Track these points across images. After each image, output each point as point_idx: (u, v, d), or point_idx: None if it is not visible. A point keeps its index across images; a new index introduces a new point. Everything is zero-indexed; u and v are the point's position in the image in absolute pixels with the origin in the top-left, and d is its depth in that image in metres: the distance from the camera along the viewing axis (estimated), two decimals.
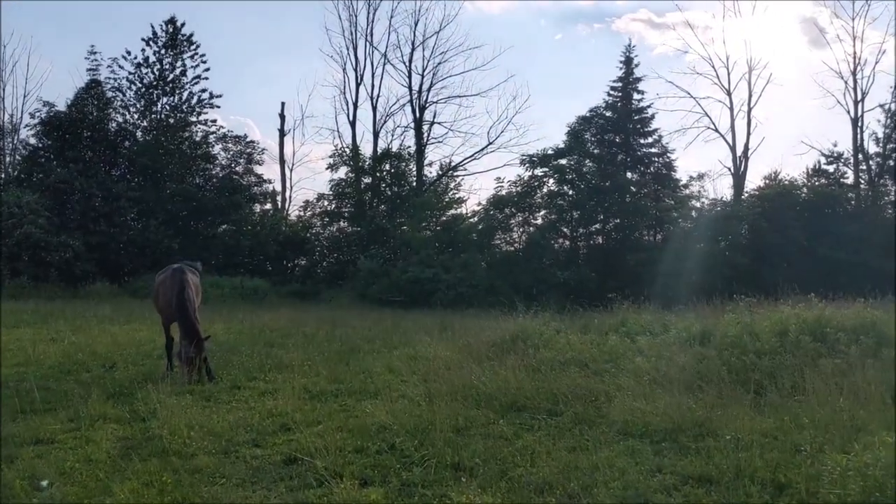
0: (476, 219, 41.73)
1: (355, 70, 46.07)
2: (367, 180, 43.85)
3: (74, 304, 27.23)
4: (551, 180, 41.22)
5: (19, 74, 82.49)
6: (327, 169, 44.12)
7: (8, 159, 44.10)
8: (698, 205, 40.71)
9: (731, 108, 44.63)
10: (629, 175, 42.25)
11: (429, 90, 45.39)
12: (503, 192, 41.41)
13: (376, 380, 10.70)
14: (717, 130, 45.03)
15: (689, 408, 7.65)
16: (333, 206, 43.41)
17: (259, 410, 8.42)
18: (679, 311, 18.68)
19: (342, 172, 43.75)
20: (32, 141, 40.78)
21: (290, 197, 48.14)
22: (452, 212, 42.84)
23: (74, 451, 6.71)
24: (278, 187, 47.18)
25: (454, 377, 10.00)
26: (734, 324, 11.99)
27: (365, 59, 46.85)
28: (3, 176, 41.72)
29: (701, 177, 41.95)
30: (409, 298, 34.33)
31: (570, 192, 40.95)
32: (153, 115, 43.10)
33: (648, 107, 41.84)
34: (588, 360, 11.08)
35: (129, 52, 42.48)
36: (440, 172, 46.00)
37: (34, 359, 12.36)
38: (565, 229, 41.77)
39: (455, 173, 46.12)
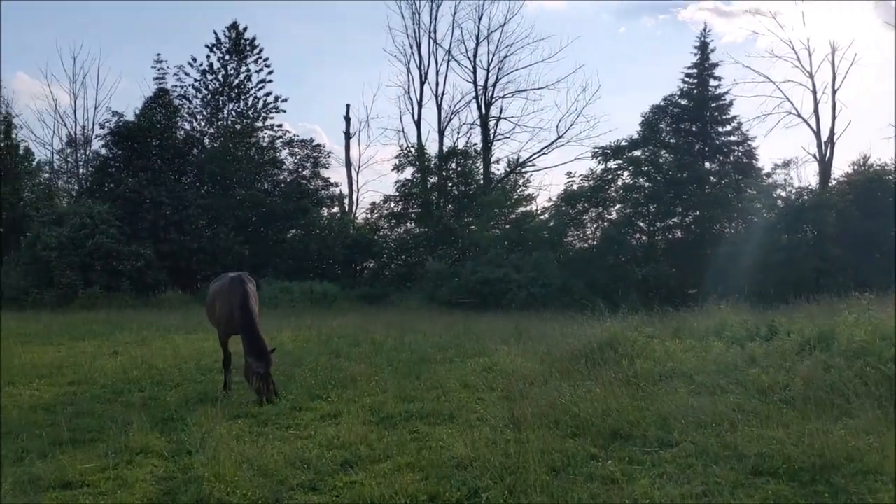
0: (547, 215, 40.29)
1: (419, 68, 45.15)
2: (434, 180, 42.84)
3: (145, 314, 26.99)
4: (626, 173, 39.54)
5: (89, 86, 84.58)
6: (393, 170, 43.30)
7: (81, 171, 44.80)
8: (784, 194, 38.26)
9: (814, 92, 42.19)
10: (708, 165, 40.19)
11: (494, 85, 44.21)
12: (575, 187, 39.88)
13: (450, 398, 9.55)
14: (799, 115, 42.59)
15: (839, 437, 6.20)
16: (400, 207, 42.53)
17: (319, 440, 7.35)
18: (781, 310, 17.01)
19: (408, 173, 42.89)
20: (103, 151, 41.08)
21: (357, 200, 47.56)
22: (522, 209, 41.39)
23: (105, 498, 5.74)
24: (345, 190, 46.62)
25: (539, 395, 8.78)
26: (859, 325, 10.38)
27: (429, 57, 45.69)
28: (76, 187, 42.23)
29: (786, 164, 39.45)
30: (478, 300, 33.16)
31: (646, 185, 39.11)
32: (220, 122, 43.07)
33: (726, 93, 39.76)
34: (693, 371, 9.68)
35: (194, 59, 42.57)
36: (508, 169, 44.65)
37: (89, 377, 11.62)
38: (642, 223, 39.97)
39: (523, 169, 44.68)
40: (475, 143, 44.31)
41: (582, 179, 39.99)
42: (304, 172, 43.58)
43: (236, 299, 10.48)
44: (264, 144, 43.27)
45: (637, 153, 39.12)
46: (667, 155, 39.45)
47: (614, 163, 39.48)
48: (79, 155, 45.48)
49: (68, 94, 72.04)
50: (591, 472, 6.04)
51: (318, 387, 10.30)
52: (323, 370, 11.88)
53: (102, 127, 41.11)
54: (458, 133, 45.27)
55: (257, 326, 10.28)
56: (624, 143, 39.14)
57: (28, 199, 42.79)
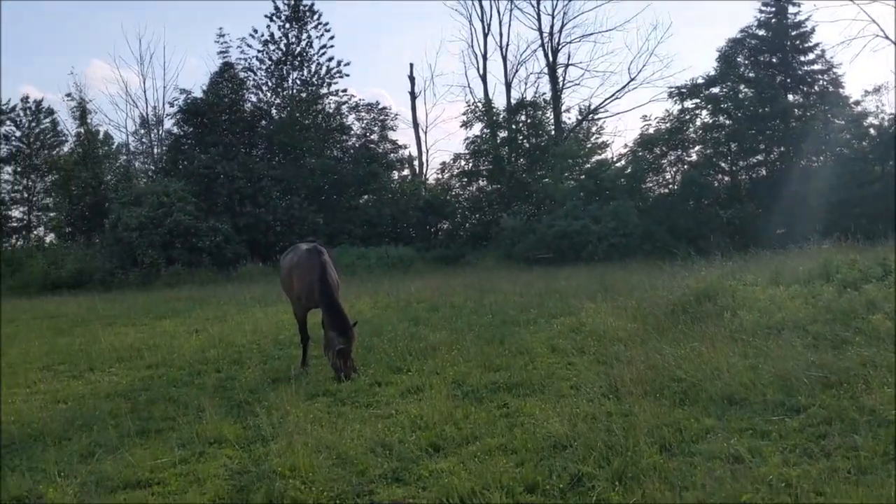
0: (623, 163, 38.83)
1: (482, 20, 44.03)
2: (503, 134, 41.75)
3: (226, 288, 27.15)
4: (704, 112, 37.71)
5: (157, 66, 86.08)
6: (461, 127, 42.43)
7: (156, 151, 45.50)
8: (875, 122, 35.72)
9: None
10: (791, 97, 37.92)
11: (560, 31, 42.62)
12: (651, 131, 38.38)
13: (538, 364, 8.89)
14: (887, 37, 39.54)
15: None
16: (470, 165, 41.67)
17: (401, 420, 6.80)
18: (887, 247, 15.68)
19: (477, 129, 41.95)
20: (174, 130, 41.51)
21: (427, 161, 46.88)
22: (596, 158, 39.99)
23: (175, 497, 5.32)
24: (414, 152, 45.99)
25: (636, 357, 8.01)
26: None
27: (491, 8, 44.70)
28: (152, 167, 42.93)
29: (876, 90, 36.73)
30: (557, 255, 32.33)
31: (727, 123, 37.19)
32: (285, 92, 42.86)
33: (806, 20, 37.25)
34: (805, 321, 8.74)
35: (255, 31, 42.30)
36: (579, 117, 43.30)
37: (168, 358, 11.40)
38: (723, 164, 38.18)
39: (595, 117, 43.29)
40: (544, 93, 43.07)
41: (658, 122, 38.43)
42: (372, 137, 43.18)
43: (315, 272, 9.86)
44: (331, 111, 42.94)
45: (715, 90, 37.19)
46: (746, 90, 37.39)
47: (691, 102, 37.68)
48: (152, 135, 46.24)
49: (137, 76, 73.80)
50: (711, 450, 5.27)
51: (398, 358, 9.78)
52: (402, 339, 11.37)
53: (171, 105, 41.56)
54: (526, 84, 44.22)
55: (338, 299, 9.78)
56: (700, 81, 37.24)
57: (109, 182, 43.81)
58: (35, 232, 46.43)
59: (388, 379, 8.58)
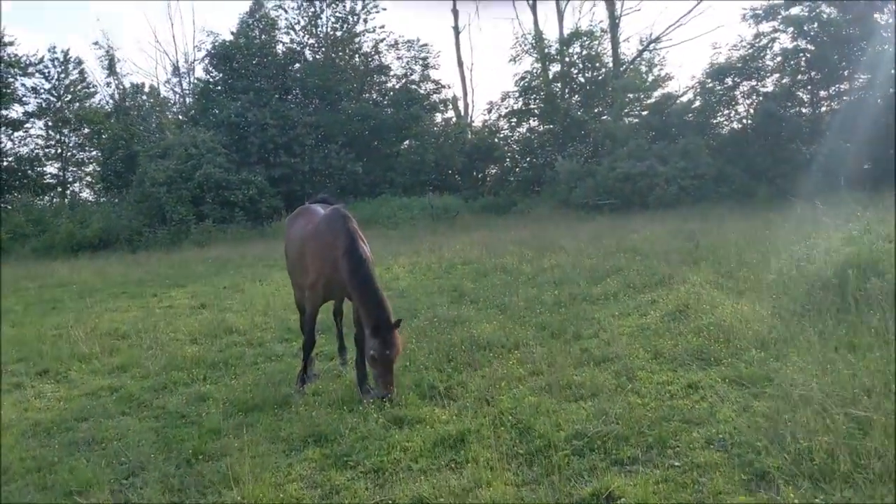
0: (691, 95, 35.08)
1: None
2: (556, 68, 38.25)
3: (258, 245, 24.92)
4: (783, 36, 33.50)
5: (185, 10, 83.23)
6: (509, 62, 39.09)
7: (188, 101, 43.12)
8: None
9: None
10: (880, 17, 33.45)
11: None
12: (721, 60, 34.42)
13: (642, 385, 6.00)
14: None
15: None
16: (520, 103, 38.32)
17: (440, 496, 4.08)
18: None
19: (527, 64, 38.65)
20: (202, 76, 38.98)
21: (473, 101, 43.63)
22: (660, 91, 36.34)
23: None
24: (458, 92, 42.73)
25: (812, 381, 5.08)
26: None
27: None
28: (180, 117, 40.60)
29: None
30: (620, 200, 29.23)
31: (809, 48, 33.01)
32: (319, 31, 39.81)
33: None
34: None
35: None
36: (640, 47, 39.34)
37: (145, 355, 8.83)
38: (803, 94, 34.11)
39: (658, 46, 39.23)
40: (600, 22, 39.25)
41: (730, 49, 34.42)
42: (413, 77, 39.98)
43: (340, 245, 6.73)
44: (368, 50, 39.79)
45: (795, 11, 32.96)
46: (830, 9, 33.07)
47: (768, 25, 33.57)
48: (184, 84, 43.91)
49: (166, 21, 71.40)
50: None
51: (433, 365, 7.01)
52: (441, 327, 8.61)
53: (198, 49, 38.92)
54: (580, 12, 40.30)
55: (377, 283, 6.73)
56: (779, 1, 33.04)
57: (139, 133, 41.69)
58: (70, 188, 44.89)
59: (414, 412, 5.76)
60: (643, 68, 38.71)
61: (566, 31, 39.31)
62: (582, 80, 38.19)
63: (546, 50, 38.37)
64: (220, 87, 37.63)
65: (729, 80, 34.00)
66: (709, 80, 34.23)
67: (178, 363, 8.13)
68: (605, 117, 35.93)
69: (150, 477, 4.90)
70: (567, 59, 38.06)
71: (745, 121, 34.19)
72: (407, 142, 38.69)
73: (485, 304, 10.31)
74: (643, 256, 13.14)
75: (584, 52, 37.89)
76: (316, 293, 7.09)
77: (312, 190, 36.24)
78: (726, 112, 34.84)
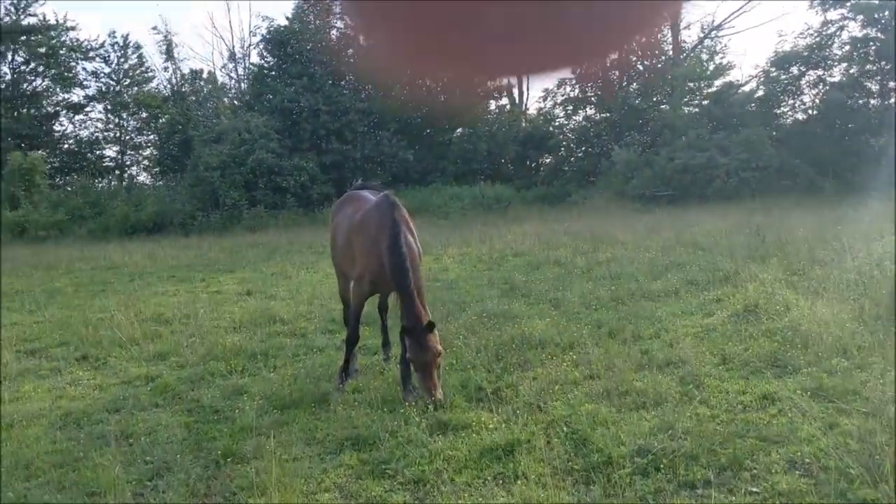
0: (754, 84, 33.85)
1: None
2: (614, 56, 37.06)
3: (309, 232, 24.80)
4: (852, 23, 32.03)
5: None
6: None
7: (244, 86, 43.30)
8: None
9: None
10: None
11: None
12: (787, 48, 33.10)
13: (709, 394, 5.46)
14: None
15: None
16: (577, 91, 37.43)
17: None
18: None
19: None
20: (257, 61, 39.03)
21: (528, 89, 42.75)
22: (722, 80, 35.07)
23: None
24: (513, 79, 41.93)
25: (887, 385, 4.51)
26: None
27: None
28: (235, 102, 40.79)
29: None
30: (678, 192, 28.29)
31: (879, 36, 31.49)
32: None
33: None
34: None
35: None
36: (701, 35, 38.21)
37: (186, 343, 8.57)
38: (871, 85, 32.60)
39: (720, 33, 38.03)
40: None
41: (796, 38, 33.08)
42: None
43: (384, 236, 6.19)
44: None
45: None
46: None
47: (837, 13, 32.16)
48: (239, 70, 44.13)
49: (223, 6, 71.99)
50: None
51: (481, 366, 6.56)
52: (490, 323, 8.17)
53: (253, 34, 39.01)
54: None
55: (420, 282, 6.28)
56: None
57: (195, 118, 42.05)
58: (128, 172, 45.64)
59: (460, 416, 5.31)
60: (704, 56, 37.53)
61: None
62: (641, 67, 37.14)
63: None
64: (273, 73, 37.60)
65: (794, 69, 32.74)
66: (773, 69, 33.01)
67: (217, 353, 7.85)
68: (663, 106, 34.89)
69: (174, 479, 4.56)
70: (626, 47, 37.03)
71: (810, 111, 32.88)
72: (459, 130, 38.17)
73: (537, 299, 9.84)
74: (705, 251, 12.50)
75: (644, 39, 36.81)
76: (361, 287, 6.63)
77: (363, 177, 36.04)
78: (791, 102, 33.62)
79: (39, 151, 38.02)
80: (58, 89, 42.69)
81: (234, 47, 43.36)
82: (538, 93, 48.82)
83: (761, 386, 5.45)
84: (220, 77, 45.54)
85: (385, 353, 7.41)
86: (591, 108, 37.63)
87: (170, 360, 7.97)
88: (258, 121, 32.89)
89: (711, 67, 36.18)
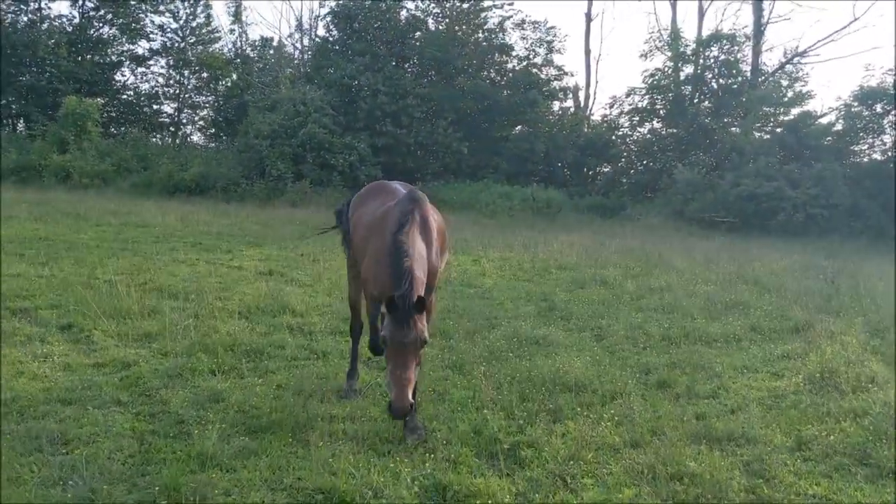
0: (833, 117, 32.04)
1: None
2: (689, 70, 35.72)
3: None
4: None
5: None
6: (640, 57, 36.71)
7: (306, 58, 42.68)
8: None
9: None
10: None
11: None
12: (873, 83, 31.20)
13: (784, 488, 4.33)
14: None
15: None
16: (646, 102, 35.99)
17: None
18: None
19: (658, 61, 36.24)
20: (323, 33, 38.32)
21: (595, 93, 41.48)
22: (799, 110, 33.32)
23: None
24: (581, 82, 40.58)
25: None
26: None
27: None
28: (295, 73, 40.16)
29: None
30: (739, 220, 26.82)
31: None
32: (444, 1, 38.44)
33: None
34: None
35: None
36: (783, 59, 36.34)
37: (184, 326, 7.67)
38: None
39: (803, 60, 36.14)
40: (744, 27, 36.42)
41: (884, 74, 31.21)
42: (536, 60, 38.08)
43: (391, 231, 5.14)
44: (492, 26, 38.11)
45: None
46: None
47: None
48: (305, 41, 43.54)
49: None
50: None
51: (501, 409, 5.48)
52: (519, 352, 7.10)
53: (322, 6, 38.28)
54: (724, 14, 37.54)
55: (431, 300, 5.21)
56: None
57: (255, 84, 41.55)
58: (182, 130, 45.38)
59: (464, 479, 4.14)
60: (784, 82, 35.74)
61: (705, 32, 36.80)
62: (715, 85, 35.52)
63: (681, 49, 35.89)
64: (337, 48, 36.86)
65: (878, 107, 30.90)
66: (855, 104, 31.21)
67: (208, 343, 6.93)
68: (734, 128, 33.39)
69: None
70: (702, 62, 35.52)
71: (889, 153, 30.94)
72: (519, 127, 37.00)
73: (577, 325, 8.74)
74: (769, 292, 11.24)
75: (722, 57, 35.17)
76: (371, 295, 5.50)
77: (414, 164, 35.12)
78: (870, 140, 31.68)
79: (98, 99, 37.81)
80: (124, 39, 42.51)
81: (301, 18, 42.57)
82: (605, 98, 47.46)
83: (849, 492, 4.31)
84: (288, 46, 45.05)
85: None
86: (657, 122, 36.22)
87: (156, 343, 7.08)
88: (315, 94, 32.15)
89: (790, 94, 34.46)
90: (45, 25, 39.64)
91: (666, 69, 35.98)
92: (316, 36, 41.05)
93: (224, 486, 3.95)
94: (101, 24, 41.66)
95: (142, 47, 43.17)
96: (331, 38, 37.78)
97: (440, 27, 38.19)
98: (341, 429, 4.97)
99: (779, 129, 32.52)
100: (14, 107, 39.47)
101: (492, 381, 5.99)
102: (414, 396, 4.49)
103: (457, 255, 14.82)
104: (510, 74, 37.92)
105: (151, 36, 42.82)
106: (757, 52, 35.96)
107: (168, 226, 18.09)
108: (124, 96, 43.29)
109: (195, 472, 4.18)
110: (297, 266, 12.92)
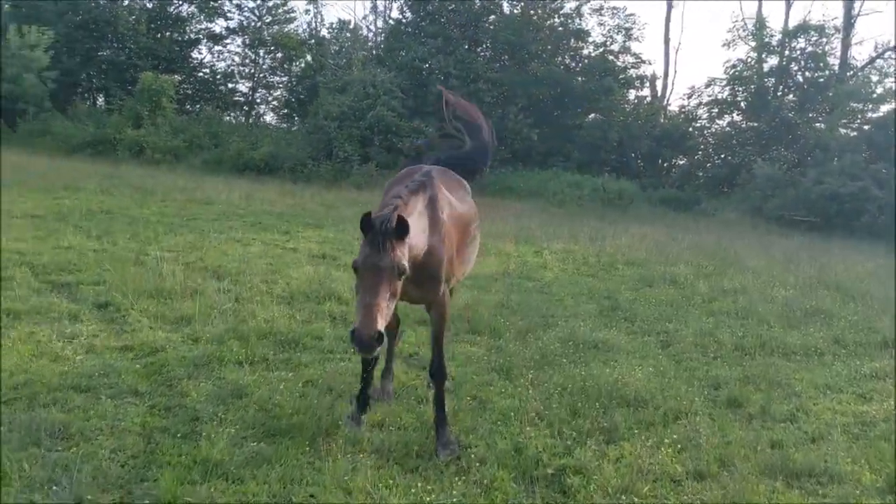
0: None
1: None
2: (773, 61, 34.11)
3: None
4: None
5: None
6: (723, 46, 35.28)
7: (379, 40, 42.44)
8: None
9: None
10: None
11: None
12: None
13: None
14: None
15: None
16: (726, 93, 34.54)
17: None
18: None
19: (741, 52, 34.70)
20: (397, 15, 37.96)
21: (673, 83, 40.10)
22: (889, 106, 31.43)
23: None
24: (659, 71, 39.23)
25: None
26: None
27: None
28: (367, 55, 39.95)
29: None
30: (821, 219, 25.41)
31: None
32: None
33: None
34: None
35: None
36: (874, 54, 34.40)
37: (216, 311, 7.32)
38: None
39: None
40: (833, 18, 34.55)
41: None
42: (613, 47, 36.94)
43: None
44: (569, 11, 37.12)
45: None
46: None
47: None
48: (379, 23, 43.34)
49: None
50: None
51: (546, 422, 4.90)
52: (574, 357, 6.50)
53: None
54: (811, 4, 35.61)
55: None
56: None
57: (328, 65, 41.50)
58: (256, 110, 45.76)
59: None
60: (873, 77, 33.84)
61: (792, 23, 35.03)
62: (800, 78, 33.93)
63: (766, 40, 34.33)
64: (410, 30, 36.43)
65: None
66: None
67: (243, 331, 6.54)
68: (818, 124, 31.75)
69: None
70: (788, 53, 33.88)
71: None
72: (592, 115, 35.99)
73: (642, 328, 8.07)
74: (853, 300, 10.32)
75: (809, 49, 33.51)
76: None
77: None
78: None
79: (174, 76, 38.32)
80: (202, 17, 43.00)
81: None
82: (683, 89, 45.94)
83: None
84: (364, 27, 44.93)
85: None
86: (738, 114, 34.78)
87: (190, 327, 6.73)
88: (385, 76, 31.83)
89: (879, 90, 32.69)
90: (126, 2, 40.31)
91: (749, 60, 34.55)
92: (390, 18, 40.78)
93: (226, 500, 3.51)
94: (180, 2, 42.20)
95: (219, 25, 43.63)
96: (404, 20, 37.42)
97: (515, 11, 37.40)
98: (367, 437, 4.50)
99: (866, 127, 30.93)
100: (95, 81, 40.36)
101: (540, 391, 5.42)
102: (387, 332, 3.82)
103: (518, 245, 14.24)
104: (585, 61, 36.93)
105: (229, 14, 43.21)
106: (846, 45, 34.18)
107: (231, 203, 17.99)
108: (200, 74, 43.87)
109: (197, 483, 3.75)
110: (352, 250, 12.51)
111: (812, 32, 33.51)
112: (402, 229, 3.96)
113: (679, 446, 4.68)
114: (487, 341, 6.92)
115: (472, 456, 4.30)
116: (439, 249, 4.53)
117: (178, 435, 4.38)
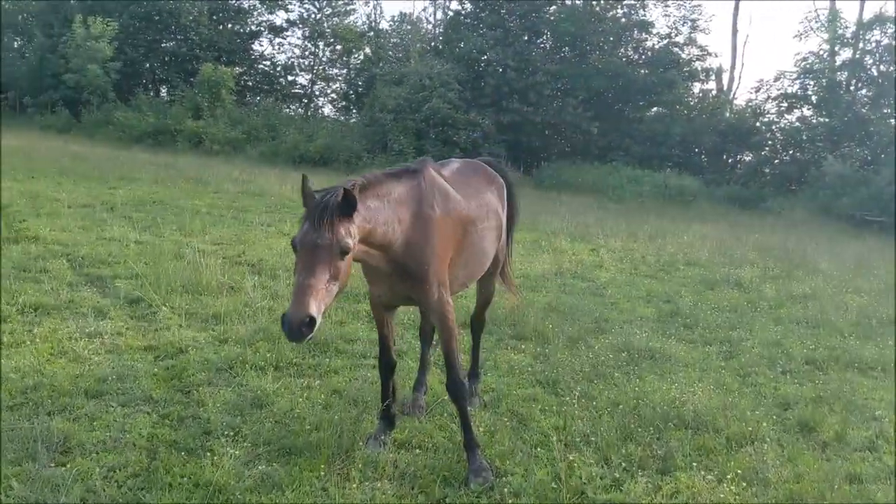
0: None
1: None
2: (846, 54, 32.60)
3: None
4: None
5: None
6: (794, 38, 33.90)
7: (438, 31, 42.07)
8: None
9: None
10: None
11: None
12: None
13: None
14: None
15: None
16: (796, 87, 33.14)
17: None
18: None
19: (813, 44, 33.33)
20: (456, 6, 37.49)
21: (740, 76, 38.77)
22: None
23: None
24: (725, 63, 37.93)
25: None
26: None
27: None
28: (425, 47, 39.61)
29: None
30: (894, 219, 24.09)
31: None
32: None
33: None
34: None
35: None
36: None
37: (256, 308, 6.99)
38: None
39: None
40: None
41: None
42: (677, 38, 35.79)
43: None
44: (633, 1, 36.06)
45: None
46: None
47: None
48: (438, 14, 42.99)
49: None
50: None
51: (593, 450, 4.40)
52: (628, 370, 5.97)
53: None
54: None
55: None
56: None
57: (386, 57, 41.28)
58: (314, 102, 45.89)
59: None
60: None
61: (867, 15, 33.43)
62: (875, 72, 32.34)
63: (839, 31, 32.80)
64: (468, 21, 35.92)
65: None
66: None
67: (273, 332, 6.18)
68: (893, 120, 30.17)
69: None
70: (862, 46, 32.33)
71: None
72: (654, 109, 34.97)
73: (703, 336, 7.47)
74: None
75: (885, 42, 31.91)
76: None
77: (539, 143, 33.85)
78: None
79: (235, 68, 38.61)
80: (263, 9, 43.26)
81: None
82: (751, 82, 44.38)
83: None
84: (425, 19, 44.67)
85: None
86: (808, 109, 33.37)
87: (221, 327, 6.41)
88: (442, 68, 31.41)
89: None
90: None
91: (821, 52, 33.13)
92: (449, 9, 40.35)
93: None
94: None
95: (280, 18, 43.88)
96: (463, 12, 36.91)
97: (577, 1, 36.54)
98: (391, 459, 4.07)
99: None
100: (157, 72, 40.95)
101: (588, 409, 4.91)
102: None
103: (573, 243, 13.68)
104: (648, 53, 35.88)
105: (289, 7, 43.36)
106: None
107: (283, 196, 17.78)
108: (261, 66, 44.19)
109: None
110: None
111: (888, 24, 31.92)
112: (347, 205, 3.53)
113: (744, 477, 4.13)
114: (534, 348, 6.43)
115: (508, 487, 3.83)
116: (423, 246, 4.08)
117: (186, 450, 4.02)
